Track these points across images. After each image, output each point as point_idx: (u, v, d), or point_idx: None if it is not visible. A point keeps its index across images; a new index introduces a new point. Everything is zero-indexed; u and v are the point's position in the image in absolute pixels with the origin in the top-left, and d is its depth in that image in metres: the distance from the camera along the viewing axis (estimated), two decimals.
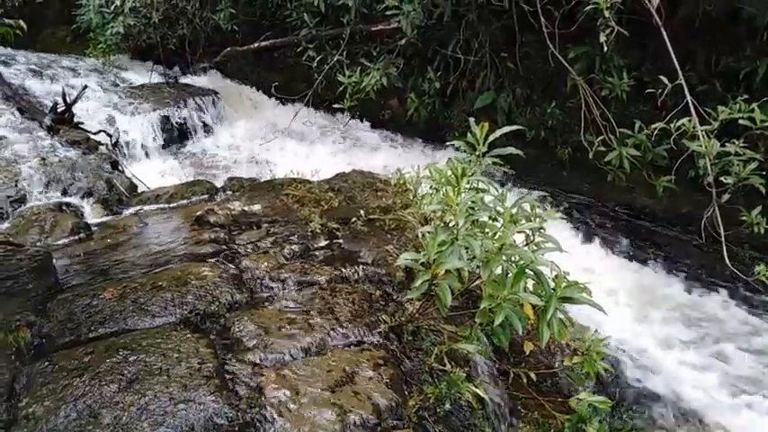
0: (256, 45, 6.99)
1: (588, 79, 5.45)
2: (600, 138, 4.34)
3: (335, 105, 5.95)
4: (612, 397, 3.08)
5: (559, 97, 5.94)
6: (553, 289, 2.56)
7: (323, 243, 3.41)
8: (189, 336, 2.48)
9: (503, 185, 5.69)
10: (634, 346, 3.54)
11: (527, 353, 2.80)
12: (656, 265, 4.49)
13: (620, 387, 3.22)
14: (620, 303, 3.97)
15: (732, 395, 3.28)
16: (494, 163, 3.12)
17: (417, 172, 3.79)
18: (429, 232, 2.25)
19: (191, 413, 2.04)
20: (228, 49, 7.22)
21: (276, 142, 6.30)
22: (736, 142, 3.20)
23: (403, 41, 6.15)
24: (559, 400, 2.45)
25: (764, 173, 3.18)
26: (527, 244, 2.75)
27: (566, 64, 4.81)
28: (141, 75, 7.91)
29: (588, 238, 4.86)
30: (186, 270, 2.99)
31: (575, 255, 4.58)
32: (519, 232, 2.81)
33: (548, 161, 6.04)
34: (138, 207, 4.74)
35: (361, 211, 3.65)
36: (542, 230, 2.77)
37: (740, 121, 3.22)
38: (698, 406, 3.18)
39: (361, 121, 7.16)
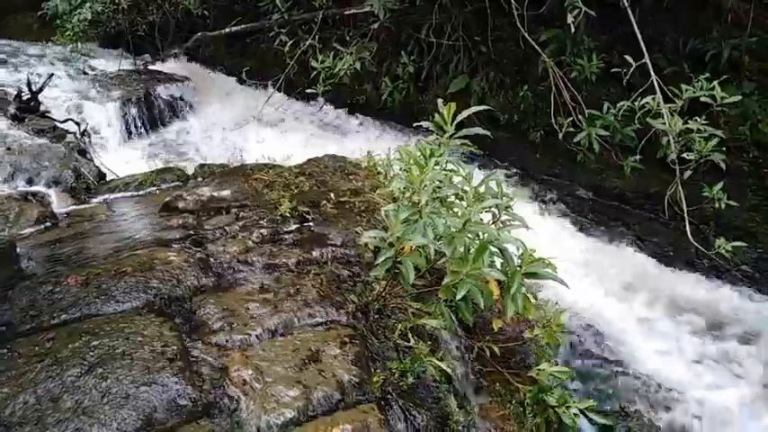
0: (227, 30, 6.88)
1: (559, 62, 5.49)
2: (569, 119, 4.38)
3: (309, 90, 5.89)
4: (580, 369, 3.16)
5: (531, 81, 5.97)
6: (519, 265, 2.61)
7: (293, 227, 3.39)
8: (153, 320, 2.45)
9: (480, 168, 5.75)
10: (602, 321, 3.62)
11: (496, 330, 2.84)
12: (625, 244, 4.58)
13: (587, 359, 3.29)
14: (589, 280, 4.05)
15: (692, 364, 3.38)
16: (462, 144, 3.14)
17: (387, 154, 3.79)
18: (393, 210, 2.25)
19: (153, 395, 2.03)
20: (199, 34, 7.10)
21: (250, 129, 6.23)
22: (698, 119, 3.26)
23: (376, 25, 6.11)
24: (524, 373, 2.49)
25: (725, 149, 3.26)
26: (494, 222, 2.79)
27: (536, 46, 4.84)
28: (111, 62, 7.74)
29: (559, 219, 4.93)
30: (152, 255, 2.95)
31: (546, 235, 4.64)
32: (486, 211, 2.85)
33: (521, 144, 6.09)
34: (107, 195, 4.66)
35: (332, 195, 3.64)
36: (509, 209, 2.81)
37: (701, 99, 3.27)
38: (661, 376, 3.27)
39: (336, 106, 7.11)
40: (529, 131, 6.10)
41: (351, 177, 4.23)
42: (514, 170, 5.98)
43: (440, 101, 3.12)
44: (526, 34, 4.78)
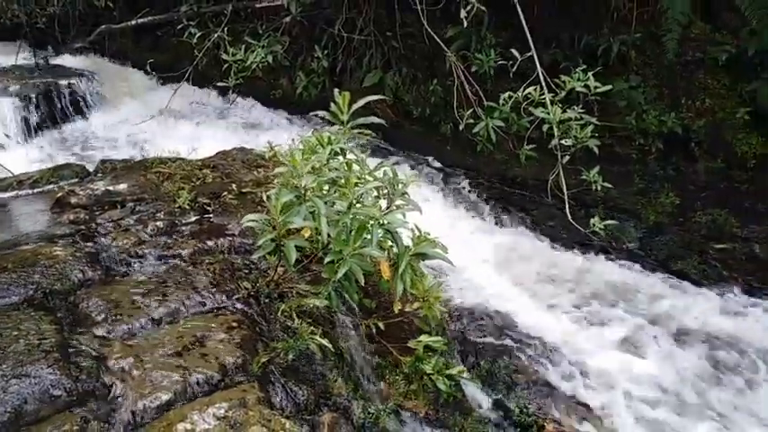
0: (134, 22, 6.66)
1: (466, 57, 5.72)
2: (470, 111, 4.58)
3: (220, 84, 5.80)
4: (475, 342, 3.36)
5: (440, 75, 6.18)
6: (407, 246, 2.73)
7: (192, 218, 3.37)
8: (32, 314, 2.38)
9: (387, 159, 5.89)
10: (496, 298, 3.85)
11: (396, 312, 2.95)
12: (524, 227, 4.87)
13: (480, 333, 3.49)
14: (490, 262, 4.28)
15: (580, 332, 3.67)
16: (360, 132, 3.25)
17: (290, 145, 3.82)
18: (274, 194, 2.30)
19: (24, 387, 1.98)
20: (103, 27, 6.81)
21: (160, 124, 6.07)
22: (576, 108, 3.53)
23: (288, 19, 6.12)
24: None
25: (598, 135, 3.56)
26: (388, 207, 2.90)
27: (439, 41, 5.01)
28: (8, 56, 7.28)
29: (465, 207, 5.16)
30: (36, 251, 2.85)
31: (451, 221, 4.86)
32: (383, 198, 2.96)
33: (433, 136, 6.30)
34: None
35: (233, 186, 3.65)
36: (406, 195, 2.93)
37: (577, 89, 3.54)
38: (550, 347, 3.52)
39: (252, 100, 7.05)
40: (440, 124, 6.32)
41: (259, 169, 4.24)
42: (428, 162, 6.17)
43: (336, 90, 3.21)
44: (429, 29, 4.95)
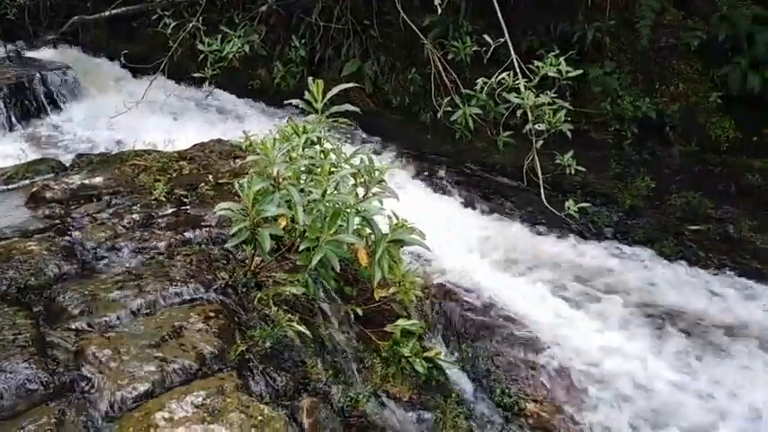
0: (107, 13, 6.53)
1: (444, 45, 5.73)
2: (447, 99, 4.60)
3: (196, 75, 5.74)
4: (458, 328, 3.41)
5: (419, 64, 6.18)
6: (384, 233, 2.76)
7: (169, 210, 3.36)
8: (6, 310, 2.37)
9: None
10: (478, 283, 3.89)
11: (378, 299, 2.98)
12: (503, 213, 4.92)
13: (464, 319, 3.54)
14: (471, 247, 4.33)
15: (563, 313, 3.74)
16: (334, 121, 3.26)
17: (266, 135, 3.81)
18: (246, 182, 2.31)
19: None
20: (76, 18, 6.68)
21: (137, 117, 5.96)
22: (549, 93, 3.57)
23: (264, 8, 6.06)
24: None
25: (574, 121, 3.60)
26: (365, 194, 2.92)
27: (415, 29, 5.02)
28: None
29: (447, 194, 5.19)
30: (10, 246, 2.83)
31: (433, 209, 4.89)
32: (360, 186, 2.98)
33: (413, 125, 6.32)
34: None
35: (210, 177, 3.64)
36: (383, 182, 2.95)
37: (549, 74, 3.58)
38: (532, 328, 3.58)
39: (231, 91, 6.98)
40: (420, 113, 6.33)
41: (236, 160, 4.23)
42: (408, 150, 6.17)
43: (310, 79, 3.21)
44: (406, 17, 4.94)
